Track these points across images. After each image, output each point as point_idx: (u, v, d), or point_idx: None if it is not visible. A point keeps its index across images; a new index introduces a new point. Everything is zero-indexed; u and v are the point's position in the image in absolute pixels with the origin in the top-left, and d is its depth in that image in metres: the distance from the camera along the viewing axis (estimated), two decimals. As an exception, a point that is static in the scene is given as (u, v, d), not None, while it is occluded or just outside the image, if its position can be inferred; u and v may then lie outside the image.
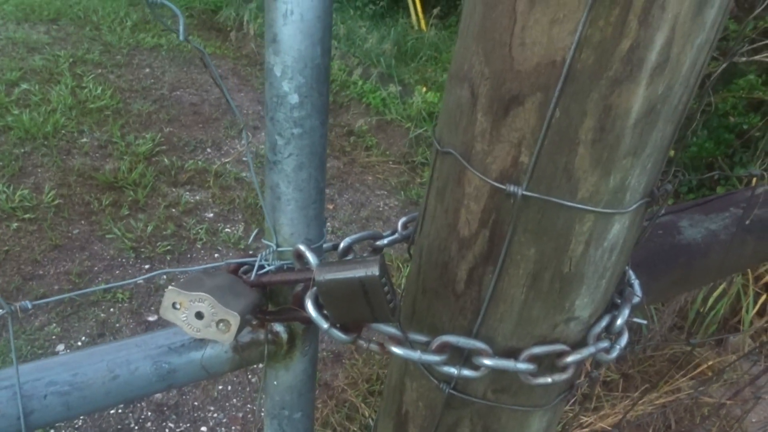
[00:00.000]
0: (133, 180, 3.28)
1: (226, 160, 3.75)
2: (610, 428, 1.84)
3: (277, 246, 0.55)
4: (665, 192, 0.59)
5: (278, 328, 0.60)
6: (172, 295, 0.48)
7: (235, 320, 0.48)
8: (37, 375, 0.49)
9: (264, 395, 0.66)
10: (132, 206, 3.11)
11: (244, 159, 3.82)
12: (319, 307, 0.53)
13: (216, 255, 2.88)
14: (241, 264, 0.56)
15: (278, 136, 0.51)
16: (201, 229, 3.02)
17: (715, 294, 2.55)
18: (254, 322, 0.58)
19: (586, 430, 1.87)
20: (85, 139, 3.68)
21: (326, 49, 0.49)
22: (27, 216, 2.90)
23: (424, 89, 4.77)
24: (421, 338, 0.57)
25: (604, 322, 0.60)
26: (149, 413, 2.02)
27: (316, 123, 0.51)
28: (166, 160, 3.57)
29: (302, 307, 0.53)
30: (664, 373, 2.25)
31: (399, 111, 4.64)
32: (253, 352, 0.59)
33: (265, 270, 0.55)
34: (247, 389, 2.17)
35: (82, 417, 1.97)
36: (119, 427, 1.97)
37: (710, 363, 2.26)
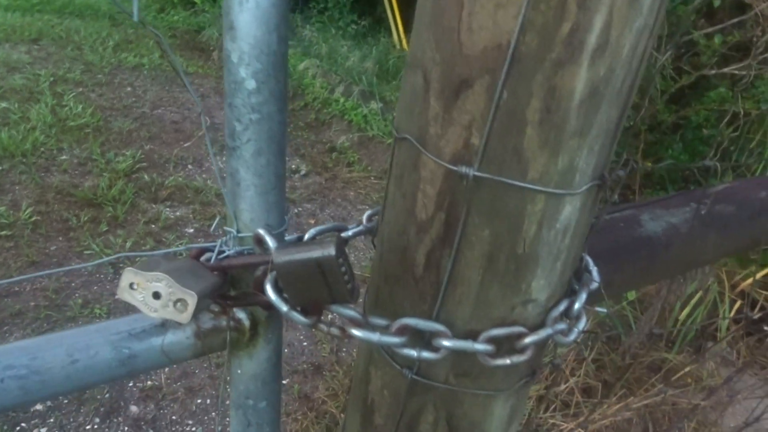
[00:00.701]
0: (112, 196, 3.27)
1: (207, 173, 3.75)
2: (589, 434, 1.85)
3: (238, 231, 0.56)
4: (617, 177, 0.61)
5: (240, 315, 0.60)
6: (130, 275, 0.49)
7: (192, 299, 0.49)
8: (-5, 358, 0.49)
9: (228, 385, 0.66)
10: (111, 222, 3.09)
11: (225, 175, 3.81)
12: (278, 290, 0.54)
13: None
14: (203, 250, 0.57)
15: (236, 122, 0.52)
16: (181, 244, 3.01)
17: (693, 301, 2.59)
18: (216, 309, 0.59)
19: (566, 436, 1.88)
20: (64, 157, 3.66)
21: (282, 36, 0.51)
22: (3, 233, 2.87)
23: (405, 106, 4.81)
24: (381, 322, 0.58)
25: (562, 306, 0.62)
26: (126, 428, 1.99)
27: (273, 109, 0.52)
28: (146, 176, 3.56)
29: (262, 290, 0.54)
30: (644, 380, 2.27)
31: (380, 127, 4.68)
32: (216, 339, 0.59)
33: (225, 254, 0.56)
34: (227, 402, 2.15)
35: (57, 431, 1.94)
36: (95, 442, 1.94)
37: (688, 369, 2.29)
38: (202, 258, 0.57)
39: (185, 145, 4.14)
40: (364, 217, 0.73)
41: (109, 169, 3.56)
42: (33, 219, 3.00)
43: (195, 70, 5.71)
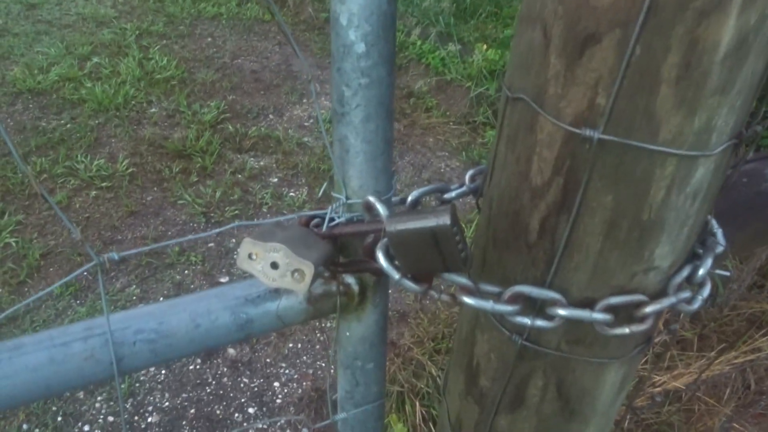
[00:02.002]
0: (200, 147, 3.38)
1: (288, 123, 3.80)
2: (683, 387, 1.79)
3: (347, 198, 0.56)
4: (754, 134, 0.55)
5: (349, 280, 0.60)
6: (248, 245, 0.50)
7: (309, 270, 0.49)
8: (126, 324, 0.51)
9: (337, 346, 0.67)
10: (200, 173, 3.21)
11: (305, 124, 3.86)
12: (390, 258, 0.54)
13: (281, 219, 2.94)
14: (312, 217, 0.57)
15: (345, 87, 0.51)
16: (266, 193, 3.09)
17: (800, 251, 2.41)
18: (326, 274, 0.59)
19: (659, 389, 1.83)
20: (153, 110, 3.80)
21: (392, -5, 0.48)
22: (104, 184, 3.05)
23: (485, 47, 4.64)
24: (492, 289, 0.56)
25: (685, 272, 0.58)
26: (225, 369, 2.12)
27: (383, 72, 0.50)
28: (230, 127, 3.65)
29: (373, 258, 0.54)
30: (743, 332, 2.16)
31: (459, 70, 4.55)
32: (326, 303, 0.60)
33: (335, 222, 0.56)
34: (317, 347, 2.24)
35: (164, 372, 2.09)
36: (198, 381, 2.07)
37: (793, 322, 2.15)
38: (311, 224, 0.57)
39: (265, 95, 4.20)
40: (467, 177, 0.71)
41: (196, 121, 3.67)
42: (130, 171, 3.16)
43: (271, 18, 5.72)
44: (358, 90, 0.51)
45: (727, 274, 0.69)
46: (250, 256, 0.50)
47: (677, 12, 0.42)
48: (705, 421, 1.80)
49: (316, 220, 0.57)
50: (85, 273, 2.50)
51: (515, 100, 0.53)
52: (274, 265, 0.50)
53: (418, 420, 1.80)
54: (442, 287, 0.58)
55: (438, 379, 1.92)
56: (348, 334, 0.65)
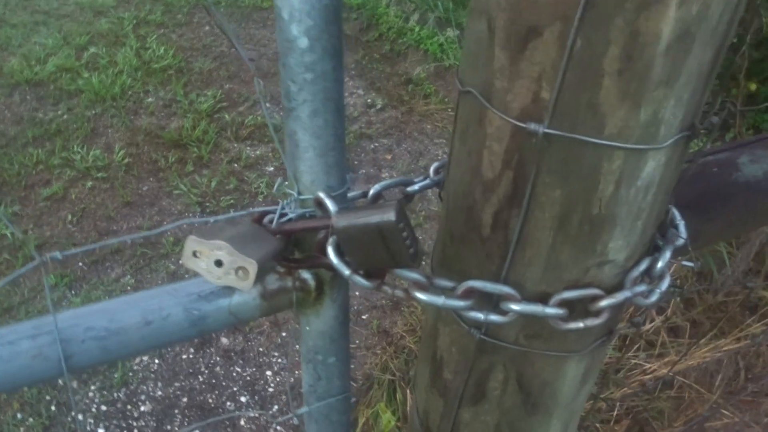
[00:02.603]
0: (196, 137, 3.38)
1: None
2: (674, 374, 1.79)
3: (299, 194, 0.55)
4: (710, 125, 0.54)
5: (306, 275, 0.60)
6: (192, 244, 0.50)
7: (252, 267, 0.49)
8: (75, 321, 0.51)
9: (299, 341, 0.67)
10: (196, 162, 3.21)
11: (263, 111, 3.84)
12: (340, 253, 0.53)
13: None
14: (265, 213, 0.56)
15: (291, 82, 0.50)
16: (262, 182, 3.09)
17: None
18: (281, 270, 0.59)
19: (650, 376, 1.83)
20: (150, 99, 3.80)
21: (334, -13, 0.47)
22: (100, 175, 3.05)
23: (484, 32, 4.59)
24: (447, 284, 0.56)
25: (643, 266, 0.58)
26: (218, 358, 2.13)
27: (328, 67, 0.50)
28: (227, 116, 3.65)
29: (324, 254, 0.53)
30: (736, 319, 2.16)
31: (457, 56, 4.51)
32: (282, 299, 0.60)
33: (287, 218, 0.55)
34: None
35: (157, 361, 2.10)
36: (191, 370, 2.09)
37: (787, 308, 2.14)
38: (265, 220, 0.57)
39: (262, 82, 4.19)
40: (431, 170, 0.70)
41: (192, 110, 3.66)
42: (126, 161, 3.16)
43: (270, 5, 5.68)
44: (303, 85, 0.50)
45: (691, 264, 0.69)
46: (194, 253, 0.50)
47: (616, 4, 0.41)
48: (695, 408, 1.80)
49: (269, 216, 0.57)
50: (81, 264, 2.52)
51: (465, 94, 0.53)
52: (219, 263, 0.49)
53: (408, 408, 1.81)
54: (399, 282, 0.58)
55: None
56: (308, 328, 0.65)
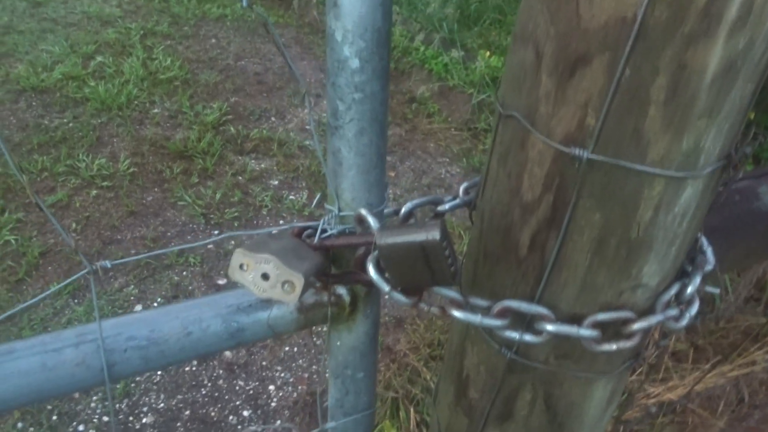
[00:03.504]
0: (201, 149, 3.39)
1: (290, 125, 3.81)
2: (677, 399, 1.80)
3: (339, 210, 0.56)
4: (743, 155, 0.56)
5: (341, 290, 0.61)
6: (239, 256, 0.50)
7: (299, 281, 0.49)
8: (118, 330, 0.52)
9: (328, 355, 0.68)
10: (201, 174, 3.22)
11: (307, 127, 3.87)
12: (380, 270, 0.54)
13: (281, 221, 2.95)
14: (305, 228, 0.57)
15: (339, 102, 0.51)
16: (266, 196, 3.10)
17: (798, 265, 2.41)
18: (318, 285, 0.60)
19: (653, 400, 1.83)
20: (156, 110, 3.81)
21: (387, 12, 0.49)
22: (105, 184, 3.05)
23: (488, 54, 4.65)
24: (482, 303, 0.57)
25: (673, 290, 0.59)
26: (221, 371, 2.13)
27: (377, 88, 0.51)
28: (232, 129, 3.66)
29: (364, 270, 0.54)
30: (738, 345, 2.16)
31: (461, 77, 4.56)
32: (317, 313, 0.61)
33: (327, 234, 0.56)
34: (312, 351, 2.25)
35: (160, 373, 2.09)
36: (194, 383, 2.08)
37: (789, 336, 2.15)
38: (304, 235, 0.58)
39: (267, 97, 4.22)
40: (461, 190, 0.72)
41: (198, 122, 3.68)
42: (130, 170, 3.17)
43: (276, 20, 5.73)
44: (351, 104, 0.51)
45: (717, 290, 0.70)
46: (241, 266, 0.51)
47: (666, 36, 0.42)
48: (698, 434, 1.80)
49: (308, 231, 0.58)
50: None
51: (507, 118, 0.54)
52: (265, 276, 0.50)
53: (412, 426, 1.80)
54: (434, 301, 0.59)
55: (433, 384, 1.93)
56: (339, 343, 0.65)
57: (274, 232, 0.55)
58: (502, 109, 0.55)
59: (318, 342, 2.29)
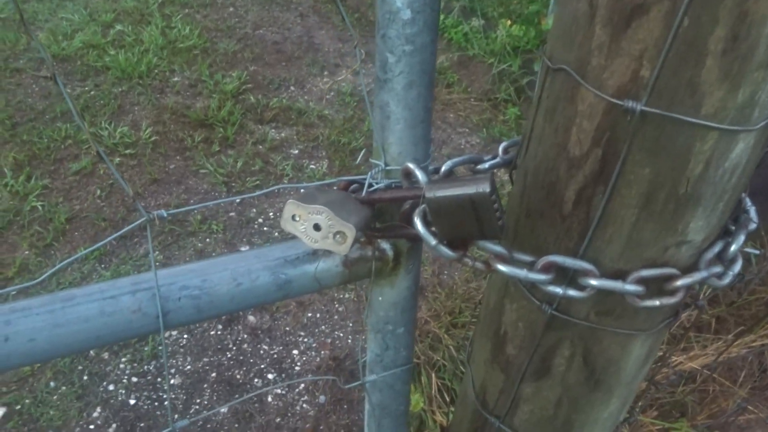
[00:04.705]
0: (222, 117, 3.39)
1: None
2: (699, 368, 1.80)
3: (386, 165, 0.57)
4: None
5: (384, 245, 0.62)
6: (292, 207, 0.51)
7: (351, 232, 0.50)
8: (172, 279, 0.53)
9: (369, 310, 0.69)
10: (222, 143, 3.23)
11: (326, 97, 3.85)
12: (427, 224, 0.55)
13: (302, 191, 2.96)
14: (351, 182, 0.58)
15: (389, 54, 0.51)
16: (287, 165, 3.11)
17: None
18: (362, 239, 0.60)
19: (675, 369, 1.84)
20: (176, 78, 3.81)
21: (439, -38, 0.48)
22: (128, 152, 3.08)
23: (509, 23, 4.57)
24: (526, 258, 0.57)
25: (717, 248, 0.59)
26: (245, 335, 2.16)
27: (427, 39, 0.51)
28: (252, 98, 3.66)
29: (410, 223, 0.55)
30: (761, 317, 2.16)
31: (482, 46, 4.49)
32: (361, 267, 0.61)
33: (374, 188, 0.57)
34: (335, 317, 2.27)
35: (186, 336, 2.13)
36: (219, 347, 2.12)
37: (813, 308, 2.14)
38: (350, 189, 0.58)
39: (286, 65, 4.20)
40: (501, 148, 0.72)
41: (218, 91, 3.67)
42: (153, 139, 3.19)
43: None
44: (401, 57, 0.51)
45: (757, 252, 0.70)
46: (293, 217, 0.52)
47: (728, -16, 0.42)
48: (719, 403, 1.81)
49: (354, 186, 0.58)
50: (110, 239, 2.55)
51: (556, 71, 0.54)
52: (317, 227, 0.51)
53: (434, 391, 1.83)
54: (478, 254, 0.59)
55: (454, 351, 1.95)
56: (380, 298, 0.66)
57: (321, 186, 0.56)
58: (550, 63, 0.55)
59: (340, 309, 2.32)
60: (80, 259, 2.41)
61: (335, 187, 0.57)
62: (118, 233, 0.51)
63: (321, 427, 1.91)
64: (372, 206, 0.57)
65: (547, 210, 0.59)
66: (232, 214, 2.76)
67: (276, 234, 2.66)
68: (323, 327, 2.23)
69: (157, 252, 2.49)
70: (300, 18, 4.96)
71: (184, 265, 0.55)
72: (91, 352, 2.05)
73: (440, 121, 3.81)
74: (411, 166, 0.55)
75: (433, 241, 0.55)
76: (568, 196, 0.56)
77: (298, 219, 0.51)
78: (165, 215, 0.48)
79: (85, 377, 1.98)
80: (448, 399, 1.83)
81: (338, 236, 0.51)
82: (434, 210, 0.52)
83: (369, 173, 0.57)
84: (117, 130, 3.20)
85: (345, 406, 1.97)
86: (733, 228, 0.61)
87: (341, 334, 2.22)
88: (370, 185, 0.57)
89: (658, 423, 1.66)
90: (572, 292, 0.57)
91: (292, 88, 3.93)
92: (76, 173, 2.90)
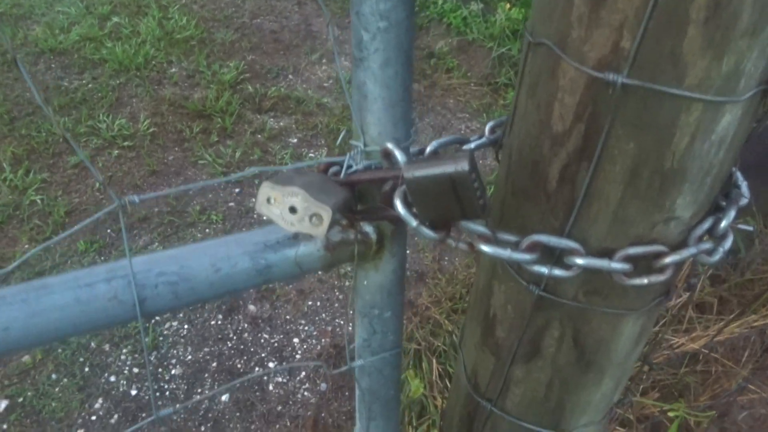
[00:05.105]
0: (220, 108, 3.38)
1: (307, 83, 3.78)
2: (700, 349, 1.79)
3: (365, 146, 0.56)
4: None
5: (367, 228, 0.61)
6: (267, 189, 0.50)
7: (327, 214, 0.49)
8: (148, 266, 0.52)
9: (355, 295, 0.68)
10: (220, 133, 3.22)
11: (325, 85, 3.83)
12: (408, 205, 0.54)
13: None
14: (330, 164, 0.57)
15: (364, 31, 0.50)
16: (286, 154, 3.10)
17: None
18: (344, 222, 0.59)
19: (676, 351, 1.83)
20: (173, 69, 3.80)
21: (412, -66, 0.47)
22: (126, 144, 3.07)
23: (508, 6, 4.52)
24: (510, 238, 0.56)
25: (706, 224, 0.57)
26: (246, 325, 2.17)
27: (402, 15, 0.50)
28: (250, 87, 3.64)
29: (391, 205, 0.54)
30: (763, 297, 2.14)
31: (481, 30, 4.45)
32: (344, 251, 0.60)
33: (353, 169, 0.56)
34: (335, 305, 2.27)
35: (186, 326, 2.14)
36: (219, 336, 2.12)
37: (817, 287, 2.12)
38: (330, 172, 0.57)
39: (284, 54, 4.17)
40: (487, 128, 0.70)
41: (215, 81, 3.66)
42: (151, 130, 3.18)
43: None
44: (376, 34, 0.50)
45: (751, 228, 0.68)
46: (268, 200, 0.51)
47: (708, -52, 0.40)
48: (721, 383, 1.80)
49: (334, 168, 0.57)
50: (110, 231, 2.55)
51: (537, 46, 0.52)
52: (293, 210, 0.50)
53: (434, 377, 1.83)
54: (463, 236, 0.58)
55: (455, 337, 1.94)
56: (365, 282, 0.65)
57: (299, 168, 0.55)
58: (531, 38, 0.53)
59: (340, 297, 2.32)
60: (79, 251, 2.42)
61: (314, 169, 0.56)
62: (86, 221, 0.50)
63: (322, 415, 1.91)
64: (351, 188, 0.56)
65: (532, 189, 0.58)
66: (231, 204, 2.76)
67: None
68: (324, 315, 2.23)
69: (156, 243, 2.48)
70: (297, 6, 4.93)
71: (161, 252, 0.54)
72: (92, 343, 2.06)
73: (440, 106, 3.79)
74: (390, 146, 0.54)
75: (414, 223, 0.54)
76: (552, 174, 0.55)
77: (273, 202, 0.50)
78: (137, 201, 0.47)
79: (87, 369, 1.99)
80: (448, 384, 1.83)
81: (314, 218, 0.50)
82: (414, 190, 0.51)
83: (348, 155, 0.56)
84: (115, 123, 3.19)
85: (346, 393, 1.97)
86: (724, 204, 0.60)
87: (342, 322, 2.21)
88: (350, 167, 0.55)
89: (657, 405, 1.65)
90: (558, 272, 0.55)
91: (290, 76, 3.91)
92: (75, 166, 2.90)
